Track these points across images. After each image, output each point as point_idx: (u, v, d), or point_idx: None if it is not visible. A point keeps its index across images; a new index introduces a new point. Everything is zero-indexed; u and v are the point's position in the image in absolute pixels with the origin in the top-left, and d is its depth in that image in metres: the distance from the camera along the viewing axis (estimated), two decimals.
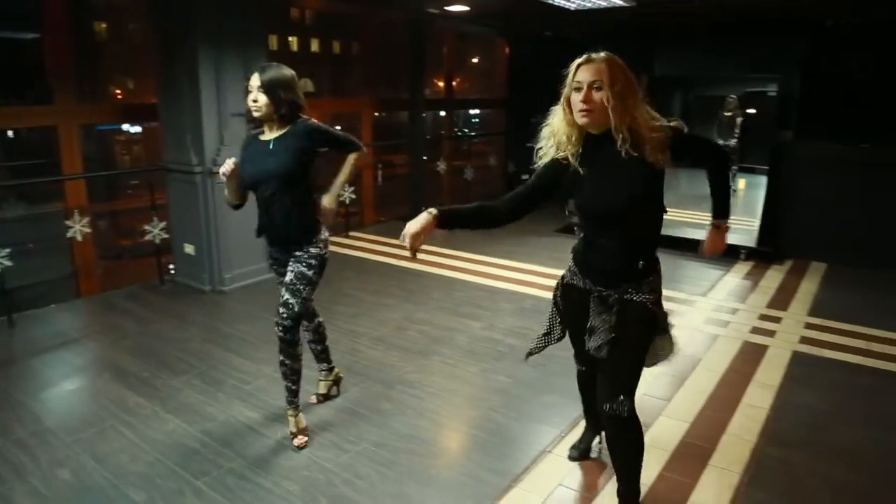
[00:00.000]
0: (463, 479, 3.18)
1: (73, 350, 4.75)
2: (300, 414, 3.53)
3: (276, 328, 3.33)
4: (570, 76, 2.43)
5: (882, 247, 6.92)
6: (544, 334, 3.00)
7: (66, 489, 3.06)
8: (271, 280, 3.55)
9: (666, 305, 2.71)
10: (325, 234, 3.44)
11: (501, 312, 5.53)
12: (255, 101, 3.17)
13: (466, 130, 13.63)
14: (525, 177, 9.62)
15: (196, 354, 4.63)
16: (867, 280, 6.62)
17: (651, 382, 4.13)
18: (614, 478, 3.00)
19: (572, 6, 6.80)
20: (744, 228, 7.80)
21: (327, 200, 3.50)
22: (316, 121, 3.35)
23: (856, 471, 3.29)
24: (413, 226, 2.33)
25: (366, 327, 5.16)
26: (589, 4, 6.71)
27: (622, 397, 2.51)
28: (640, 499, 2.81)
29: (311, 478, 3.16)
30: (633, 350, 2.56)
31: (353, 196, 8.33)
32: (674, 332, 2.74)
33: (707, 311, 5.58)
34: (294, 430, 3.48)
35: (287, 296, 3.29)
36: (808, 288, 6.35)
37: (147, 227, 6.05)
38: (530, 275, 6.64)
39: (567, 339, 2.94)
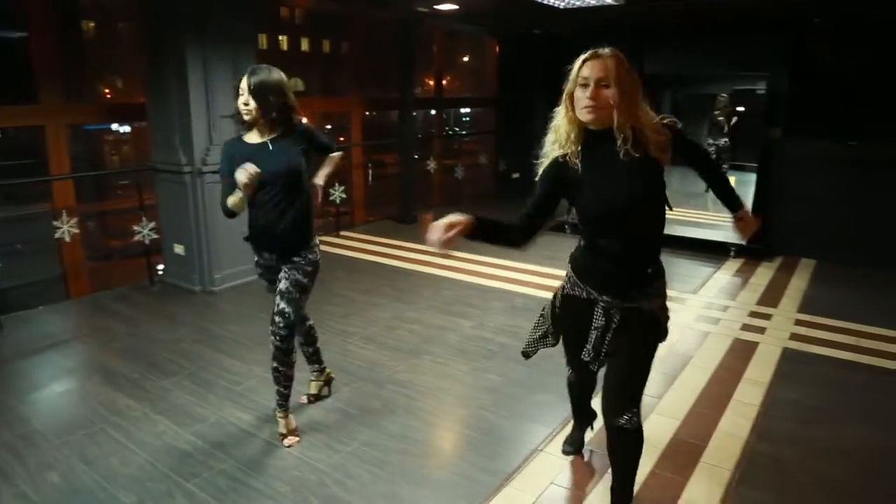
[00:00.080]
0: (455, 478, 3.17)
1: (62, 352, 4.72)
2: (290, 415, 3.52)
3: (272, 337, 3.30)
4: (575, 71, 2.33)
5: (871, 244, 6.97)
6: (540, 337, 2.95)
7: (55, 492, 3.04)
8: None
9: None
10: (317, 238, 3.43)
11: (492, 311, 5.53)
12: (245, 104, 3.13)
13: (457, 129, 13.63)
14: (516, 175, 9.63)
15: (186, 355, 4.60)
16: (856, 277, 6.66)
17: None
18: (605, 476, 3.01)
19: (561, 4, 6.80)
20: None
21: (320, 179, 3.52)
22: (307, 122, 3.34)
23: (846, 467, 3.30)
24: (450, 219, 2.26)
25: (356, 327, 5.15)
26: (578, 3, 6.71)
27: (634, 409, 2.49)
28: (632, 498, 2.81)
29: (302, 478, 3.15)
30: (642, 361, 2.52)
31: (344, 195, 8.30)
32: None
33: (698, 309, 5.60)
34: (283, 431, 3.47)
35: (283, 304, 3.27)
36: (797, 285, 6.38)
37: (136, 228, 6.02)
38: (521, 273, 6.64)
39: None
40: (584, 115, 2.30)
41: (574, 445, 3.33)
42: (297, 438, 3.48)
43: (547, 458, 3.34)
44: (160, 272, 6.31)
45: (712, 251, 7.29)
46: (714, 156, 10.01)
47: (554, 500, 3.02)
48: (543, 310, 2.92)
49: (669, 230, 2.52)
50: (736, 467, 3.26)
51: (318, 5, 9.36)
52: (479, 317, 5.39)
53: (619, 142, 2.28)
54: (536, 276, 6.51)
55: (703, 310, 5.58)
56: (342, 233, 8.36)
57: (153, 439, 3.50)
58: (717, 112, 9.75)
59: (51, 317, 5.45)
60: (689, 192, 8.05)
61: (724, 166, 10.07)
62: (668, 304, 2.60)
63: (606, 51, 2.30)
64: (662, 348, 2.66)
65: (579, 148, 2.38)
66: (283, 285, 3.28)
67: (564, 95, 2.39)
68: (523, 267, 6.85)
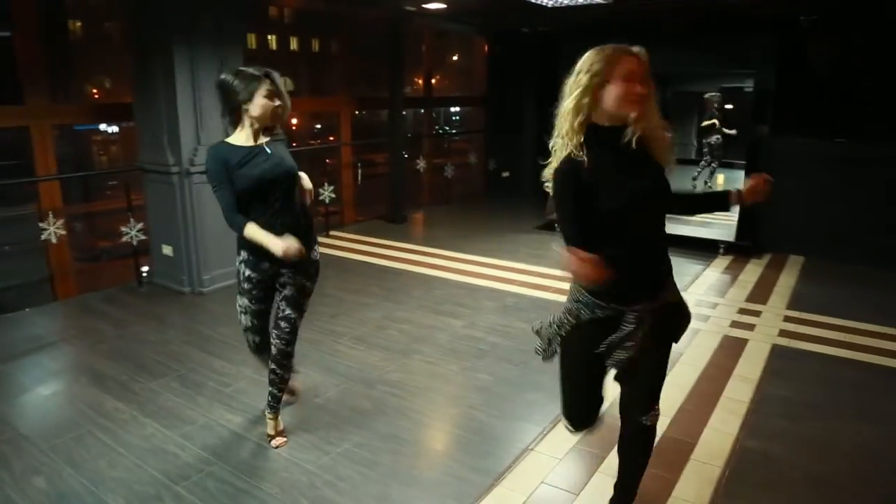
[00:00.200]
0: (445, 478, 3.16)
1: (49, 354, 4.68)
2: (279, 417, 3.50)
3: (276, 341, 3.27)
4: (609, 64, 2.19)
5: (859, 240, 7.00)
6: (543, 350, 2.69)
7: (42, 497, 3.00)
8: None
9: None
10: (317, 238, 3.41)
11: (483, 310, 5.52)
12: (280, 106, 3.08)
13: (447, 128, 13.62)
14: (505, 174, 9.61)
15: (175, 357, 4.57)
16: (844, 273, 6.69)
17: None
18: (596, 475, 3.01)
19: (550, 3, 6.81)
20: (722, 223, 7.86)
21: (307, 181, 3.39)
22: None
23: (836, 463, 3.31)
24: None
25: (346, 327, 5.13)
26: (567, 1, 6.71)
27: (657, 406, 2.50)
28: None
29: (292, 480, 3.13)
30: (667, 358, 2.53)
31: (333, 195, 8.28)
32: None
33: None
34: (272, 432, 3.45)
35: (289, 310, 3.26)
36: (786, 281, 6.41)
37: (124, 229, 5.98)
38: (511, 272, 6.63)
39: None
40: (631, 108, 2.20)
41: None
42: (286, 439, 3.46)
43: (538, 458, 3.33)
44: (144, 273, 6.26)
45: (701, 248, 7.31)
46: (707, 154, 10.07)
47: (545, 500, 3.01)
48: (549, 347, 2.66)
49: None
50: (726, 464, 3.26)
51: (306, 5, 9.33)
52: (470, 316, 5.38)
53: (627, 137, 2.23)
54: (527, 276, 6.50)
55: (693, 307, 5.55)
56: (332, 232, 8.33)
57: (141, 442, 3.48)
58: (705, 124, 9.83)
59: (38, 319, 5.40)
60: (677, 188, 8.05)
61: (715, 164, 10.14)
62: None
63: (639, 49, 2.25)
64: None
65: (582, 139, 2.25)
66: (288, 291, 3.23)
67: (586, 87, 2.21)
68: (513, 266, 6.85)
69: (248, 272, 3.22)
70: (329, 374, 4.23)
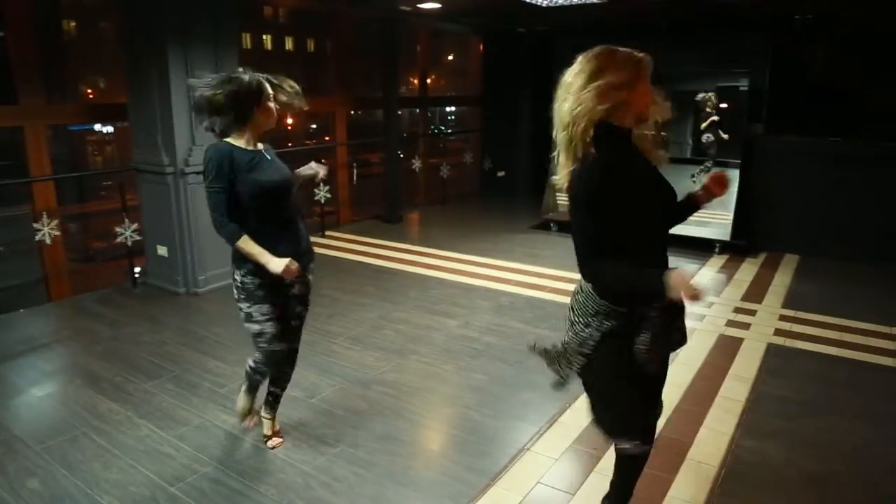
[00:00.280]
0: (441, 478, 3.16)
1: (43, 355, 4.66)
2: (276, 417, 3.49)
3: (272, 357, 3.22)
4: (643, 68, 2.15)
5: (854, 239, 7.02)
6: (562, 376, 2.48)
7: (36, 499, 2.99)
8: None
9: None
10: None
11: (478, 310, 5.52)
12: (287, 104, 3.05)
13: (442, 128, 13.60)
14: (501, 173, 9.59)
15: (170, 358, 4.56)
16: (840, 272, 6.71)
17: None
18: (592, 475, 3.01)
19: (544, 3, 6.80)
20: (717, 222, 7.86)
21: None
22: None
23: (832, 462, 3.32)
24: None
25: (342, 327, 5.12)
26: (561, 1, 6.71)
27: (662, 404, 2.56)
28: None
29: (287, 481, 3.12)
30: (668, 356, 2.52)
31: (329, 195, 8.26)
32: None
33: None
34: (269, 432, 3.44)
35: (300, 307, 3.26)
36: (781, 280, 6.41)
37: (118, 230, 5.96)
38: (507, 272, 6.63)
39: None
40: (667, 113, 2.24)
41: None
42: (281, 440, 3.45)
43: (534, 458, 3.33)
44: (136, 274, 6.23)
45: (697, 248, 7.31)
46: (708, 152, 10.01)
47: (541, 500, 3.00)
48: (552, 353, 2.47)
49: None
50: (722, 464, 3.26)
51: (302, 4, 9.32)
52: (465, 316, 5.38)
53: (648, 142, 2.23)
54: (522, 275, 6.50)
55: (688, 307, 5.58)
56: (327, 233, 8.32)
57: (136, 443, 3.46)
58: (707, 109, 9.78)
59: (32, 320, 5.38)
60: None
61: (709, 163, 10.12)
62: None
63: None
64: None
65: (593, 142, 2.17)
66: (297, 289, 3.21)
67: (613, 91, 2.10)
68: (509, 266, 6.85)
69: (259, 280, 3.00)
70: (325, 375, 4.23)
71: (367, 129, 11.51)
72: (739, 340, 4.89)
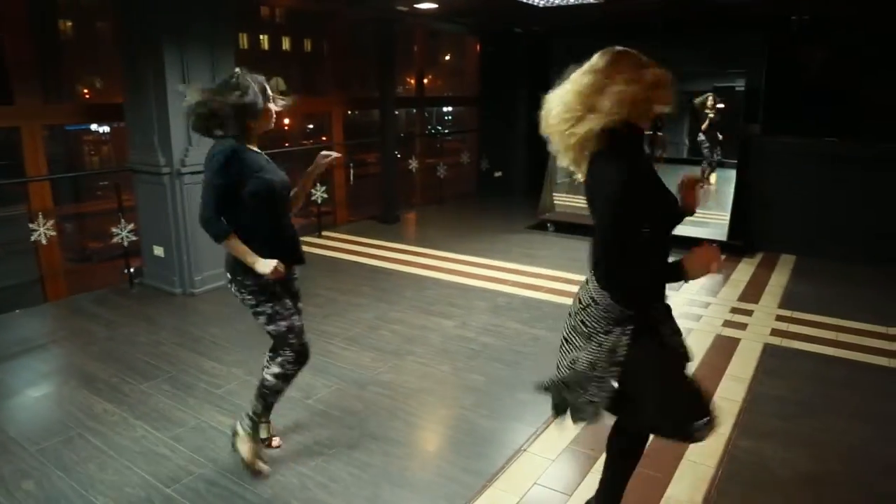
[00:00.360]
0: (438, 479, 3.15)
1: (39, 356, 4.65)
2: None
3: (305, 350, 3.19)
4: (657, 70, 2.16)
5: (850, 239, 7.03)
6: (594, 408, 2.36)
7: (31, 501, 2.98)
8: None
9: None
10: None
11: (475, 310, 5.51)
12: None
13: (439, 128, 13.60)
14: (498, 174, 9.58)
15: (166, 358, 4.55)
16: (836, 272, 6.71)
17: None
18: (589, 476, 3.01)
19: (541, 3, 6.80)
20: (714, 222, 7.87)
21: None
22: None
23: (829, 462, 3.32)
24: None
25: (338, 328, 5.11)
26: (557, 1, 6.71)
27: None
28: None
29: (283, 482, 3.12)
30: None
31: (325, 195, 8.26)
32: None
33: (680, 306, 5.61)
34: (266, 435, 3.43)
35: (300, 303, 3.25)
36: (778, 280, 6.42)
37: (115, 230, 5.94)
38: (503, 272, 6.62)
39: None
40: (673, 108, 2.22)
41: None
42: (278, 441, 3.44)
43: (530, 458, 3.33)
44: (129, 273, 6.21)
45: (693, 248, 7.31)
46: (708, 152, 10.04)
47: (538, 501, 3.00)
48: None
49: None
50: (719, 464, 3.26)
51: (298, 4, 9.31)
52: (462, 316, 5.37)
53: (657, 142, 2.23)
54: (518, 275, 6.50)
55: (685, 307, 5.59)
56: (324, 233, 8.30)
57: (132, 444, 3.45)
58: (706, 111, 9.79)
59: (27, 320, 5.37)
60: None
61: (704, 164, 10.14)
62: None
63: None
64: None
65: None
66: (295, 286, 3.21)
67: (639, 90, 2.09)
68: (505, 266, 6.85)
69: (272, 280, 2.98)
70: (321, 375, 4.22)
71: (364, 129, 11.51)
72: (736, 340, 4.89)
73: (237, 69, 2.93)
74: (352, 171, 9.47)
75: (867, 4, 6.69)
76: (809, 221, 7.30)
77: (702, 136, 9.78)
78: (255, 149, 2.98)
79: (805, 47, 7.49)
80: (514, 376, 4.25)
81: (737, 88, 8.42)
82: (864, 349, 4.74)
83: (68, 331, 5.13)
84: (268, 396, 3.16)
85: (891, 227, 6.80)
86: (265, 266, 2.85)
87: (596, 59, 2.18)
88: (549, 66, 9.15)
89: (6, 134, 6.15)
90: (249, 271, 2.93)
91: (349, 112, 10.14)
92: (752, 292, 6.04)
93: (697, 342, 4.85)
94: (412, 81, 11.77)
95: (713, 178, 10.20)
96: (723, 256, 1.96)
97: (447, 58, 14.41)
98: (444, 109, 14.63)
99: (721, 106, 9.67)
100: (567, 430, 3.54)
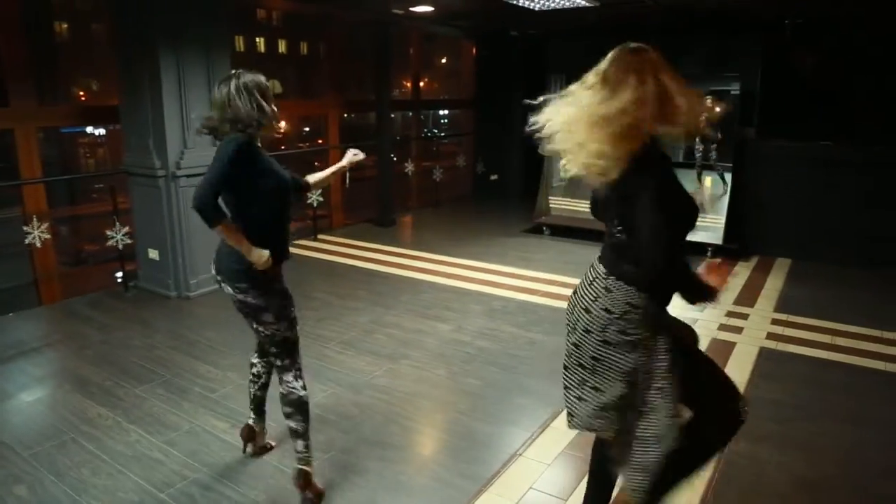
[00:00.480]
0: (433, 484, 3.14)
1: (32, 360, 4.63)
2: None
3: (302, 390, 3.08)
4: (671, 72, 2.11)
5: (845, 243, 7.05)
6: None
7: None
8: None
9: None
10: None
11: (470, 314, 5.51)
12: None
13: (435, 131, 13.61)
14: (494, 177, 9.56)
15: (161, 362, 4.53)
16: (831, 275, 6.72)
17: None
18: (584, 481, 2.99)
19: (536, 6, 6.81)
20: (710, 226, 7.87)
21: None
22: None
23: (824, 466, 3.31)
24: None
25: (334, 331, 5.10)
26: (553, 4, 6.72)
27: None
28: (611, 500, 2.78)
29: (278, 487, 3.10)
30: None
31: (321, 199, 8.24)
32: None
33: (675, 310, 5.59)
34: (263, 442, 3.41)
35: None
36: (773, 284, 6.42)
37: (109, 233, 5.92)
38: (499, 276, 6.62)
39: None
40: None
41: None
42: (273, 445, 3.43)
43: (526, 463, 3.32)
44: (119, 278, 6.20)
45: (689, 251, 7.33)
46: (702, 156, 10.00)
47: None
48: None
49: None
50: (715, 468, 3.25)
51: (295, 7, 9.31)
52: (458, 320, 5.36)
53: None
54: (514, 279, 6.49)
55: (680, 311, 5.57)
56: (320, 236, 8.29)
57: (125, 449, 3.44)
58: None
59: (21, 324, 5.35)
60: None
61: (697, 166, 10.13)
62: None
63: None
64: None
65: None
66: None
67: (650, 95, 2.02)
68: (501, 270, 6.84)
69: (282, 286, 3.00)
70: (316, 380, 4.20)
71: (360, 132, 11.53)
72: (732, 344, 4.89)
73: (233, 71, 2.90)
74: (348, 175, 9.44)
75: (861, 7, 6.70)
76: (804, 225, 7.31)
77: (698, 148, 9.78)
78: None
79: (799, 51, 7.51)
80: (510, 380, 4.24)
81: (732, 92, 8.43)
82: (859, 353, 4.75)
83: (62, 334, 5.11)
84: (307, 410, 3.05)
85: (885, 231, 6.82)
86: (260, 257, 2.78)
87: (635, 52, 2.12)
88: (544, 70, 9.18)
89: (0, 136, 6.13)
90: (259, 283, 2.86)
91: (345, 115, 10.13)
92: (748, 296, 6.04)
93: None
94: (408, 84, 11.79)
95: (708, 181, 10.22)
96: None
97: (443, 61, 14.43)
98: (440, 112, 14.65)
99: (717, 110, 9.67)
100: (563, 434, 3.54)
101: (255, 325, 2.92)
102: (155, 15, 5.36)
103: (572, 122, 2.11)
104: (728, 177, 8.57)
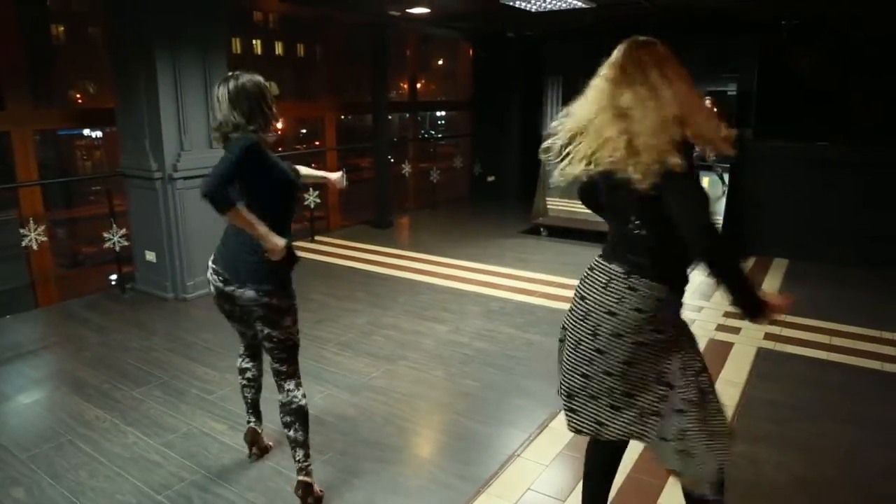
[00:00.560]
0: (431, 485, 3.14)
1: (29, 362, 4.62)
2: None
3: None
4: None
5: (843, 243, 7.05)
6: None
7: None
8: None
9: None
10: None
11: (468, 315, 5.50)
12: None
13: (432, 132, 13.62)
14: (491, 178, 9.57)
15: (158, 364, 4.52)
16: (829, 276, 6.73)
17: None
18: (582, 482, 2.99)
19: (532, 8, 6.81)
20: None
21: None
22: None
23: (823, 466, 3.32)
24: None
25: (332, 333, 5.10)
26: (549, 6, 6.72)
27: None
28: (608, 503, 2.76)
29: (276, 488, 3.10)
30: None
31: (318, 200, 8.24)
32: None
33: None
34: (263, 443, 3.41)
35: None
36: (771, 284, 6.43)
37: (106, 235, 5.91)
38: (496, 277, 6.62)
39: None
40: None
41: None
42: (270, 446, 3.43)
43: (524, 464, 3.31)
44: (113, 281, 6.19)
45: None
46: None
47: None
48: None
49: None
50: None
51: (291, 9, 9.31)
52: (455, 321, 5.36)
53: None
54: (512, 280, 6.49)
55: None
56: (317, 238, 8.29)
57: (123, 451, 3.43)
58: None
59: (18, 326, 5.34)
60: None
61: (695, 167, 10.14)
62: None
63: None
64: None
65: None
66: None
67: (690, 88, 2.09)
68: (498, 270, 6.84)
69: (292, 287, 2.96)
70: (314, 381, 4.20)
71: (357, 133, 11.52)
72: (729, 345, 4.89)
73: (229, 73, 2.89)
74: (345, 176, 9.45)
75: (858, 7, 6.72)
76: (802, 225, 7.31)
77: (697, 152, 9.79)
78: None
79: (796, 52, 7.52)
80: (508, 381, 4.23)
81: (729, 93, 8.45)
82: (857, 353, 4.75)
83: (59, 336, 5.09)
84: (308, 419, 3.01)
85: (883, 230, 6.83)
86: (277, 240, 2.68)
87: (652, 46, 2.16)
88: (541, 71, 9.18)
89: None
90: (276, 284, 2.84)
91: (342, 116, 10.13)
92: None
93: None
94: (405, 86, 11.79)
95: (706, 181, 10.24)
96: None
97: (440, 62, 14.44)
98: (438, 114, 14.65)
99: (715, 111, 9.69)
100: (561, 435, 3.53)
101: (267, 331, 2.86)
102: (151, 17, 5.35)
103: (636, 128, 2.03)
104: (727, 177, 8.60)
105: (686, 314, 5.26)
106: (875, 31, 7.04)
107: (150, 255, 5.96)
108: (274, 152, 2.91)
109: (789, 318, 5.43)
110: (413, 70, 11.47)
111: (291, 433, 2.93)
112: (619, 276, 2.15)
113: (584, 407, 2.24)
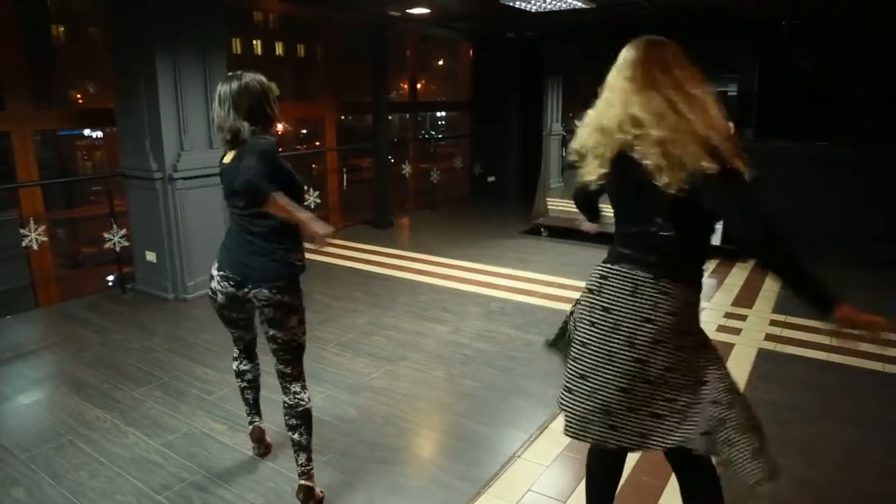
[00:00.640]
0: (431, 486, 3.14)
1: (30, 362, 4.62)
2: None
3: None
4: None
5: (843, 243, 7.04)
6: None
7: None
8: None
9: None
10: None
11: (468, 316, 5.50)
12: None
13: (433, 133, 13.62)
14: (491, 178, 9.56)
15: (158, 364, 4.52)
16: (829, 276, 6.70)
17: None
18: (582, 483, 2.99)
19: (532, 8, 6.81)
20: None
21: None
22: None
23: (823, 466, 3.31)
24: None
25: (332, 333, 5.10)
26: (549, 6, 6.72)
27: None
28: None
29: (276, 489, 3.10)
30: None
31: (318, 201, 8.24)
32: None
33: None
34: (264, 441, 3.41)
35: None
36: (771, 285, 6.42)
37: (107, 235, 5.91)
38: (496, 277, 6.62)
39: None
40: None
41: None
42: (270, 446, 3.43)
43: (525, 465, 3.31)
44: (111, 281, 6.19)
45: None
46: None
47: None
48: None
49: None
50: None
51: (291, 10, 9.31)
52: (456, 322, 5.36)
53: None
54: (512, 280, 6.49)
55: None
56: None
57: (123, 451, 3.43)
58: None
59: (19, 326, 5.33)
60: None
61: None
62: None
63: None
64: None
65: None
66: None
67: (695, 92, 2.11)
68: (499, 271, 6.84)
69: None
70: (314, 382, 4.18)
71: (357, 134, 11.52)
72: (730, 346, 4.89)
73: (230, 73, 2.88)
74: (345, 176, 9.45)
75: (858, 7, 6.72)
76: (802, 226, 7.30)
77: None
78: None
79: (796, 52, 7.52)
80: (508, 382, 4.23)
81: (729, 94, 8.44)
82: (858, 354, 4.73)
83: (60, 337, 5.09)
84: (312, 422, 2.99)
85: (883, 231, 6.83)
86: (319, 225, 2.56)
87: (668, 45, 2.21)
88: (541, 72, 9.18)
89: None
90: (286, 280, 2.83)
91: (342, 117, 10.13)
92: (746, 297, 6.04)
93: None
94: (405, 86, 11.79)
95: None
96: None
97: (440, 63, 14.44)
98: (438, 114, 14.66)
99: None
100: (561, 436, 3.53)
101: (272, 332, 2.85)
102: (151, 17, 5.35)
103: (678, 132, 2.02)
104: None
105: None
106: (875, 31, 7.04)
107: (151, 256, 5.96)
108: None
109: (790, 319, 5.43)
110: (413, 70, 11.47)
111: (296, 436, 2.92)
112: (649, 282, 2.07)
113: (625, 422, 2.11)
